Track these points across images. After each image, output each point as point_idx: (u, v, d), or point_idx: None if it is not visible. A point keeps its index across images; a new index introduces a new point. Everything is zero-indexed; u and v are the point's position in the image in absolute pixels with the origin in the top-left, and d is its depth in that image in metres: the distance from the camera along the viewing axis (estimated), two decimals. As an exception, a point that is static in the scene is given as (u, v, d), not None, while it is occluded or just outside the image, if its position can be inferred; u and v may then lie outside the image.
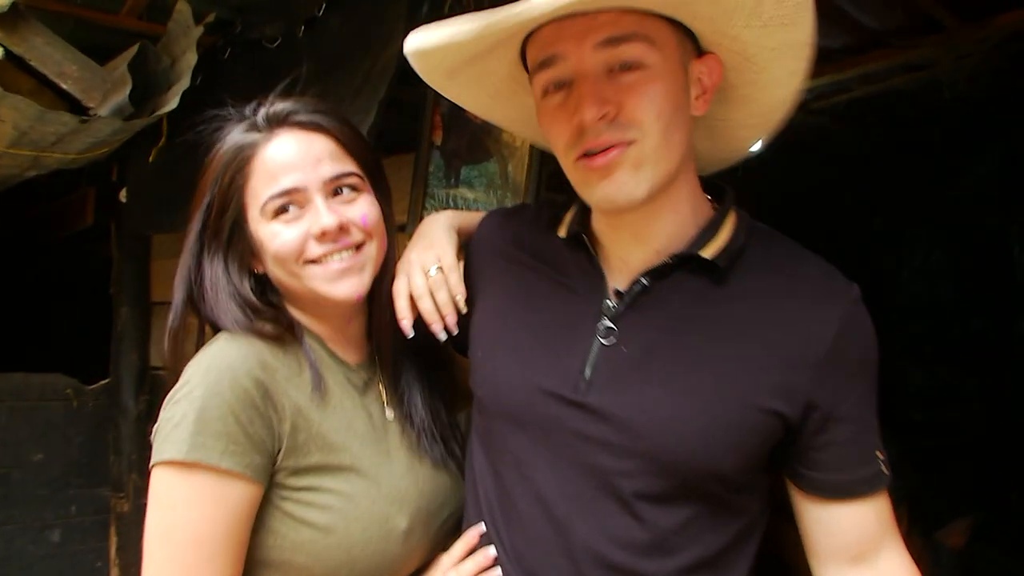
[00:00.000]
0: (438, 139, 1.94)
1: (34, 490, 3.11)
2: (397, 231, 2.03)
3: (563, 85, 1.01)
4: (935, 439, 3.48)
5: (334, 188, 1.18)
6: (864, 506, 1.05)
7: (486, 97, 1.18)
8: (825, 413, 1.02)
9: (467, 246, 1.32)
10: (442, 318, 1.20)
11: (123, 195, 3.06)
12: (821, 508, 1.07)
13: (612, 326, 1.06)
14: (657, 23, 0.97)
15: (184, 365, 1.18)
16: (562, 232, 1.14)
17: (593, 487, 1.05)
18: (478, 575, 1.17)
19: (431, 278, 1.22)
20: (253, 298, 1.19)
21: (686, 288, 1.05)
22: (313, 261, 1.16)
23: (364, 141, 1.25)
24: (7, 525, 3.03)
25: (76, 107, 2.36)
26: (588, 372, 1.06)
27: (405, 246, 2.03)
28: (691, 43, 1.03)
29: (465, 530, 1.21)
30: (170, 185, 2.68)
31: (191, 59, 2.31)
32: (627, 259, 1.09)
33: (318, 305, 1.23)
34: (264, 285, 1.24)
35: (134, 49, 2.44)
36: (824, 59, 3.09)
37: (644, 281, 1.05)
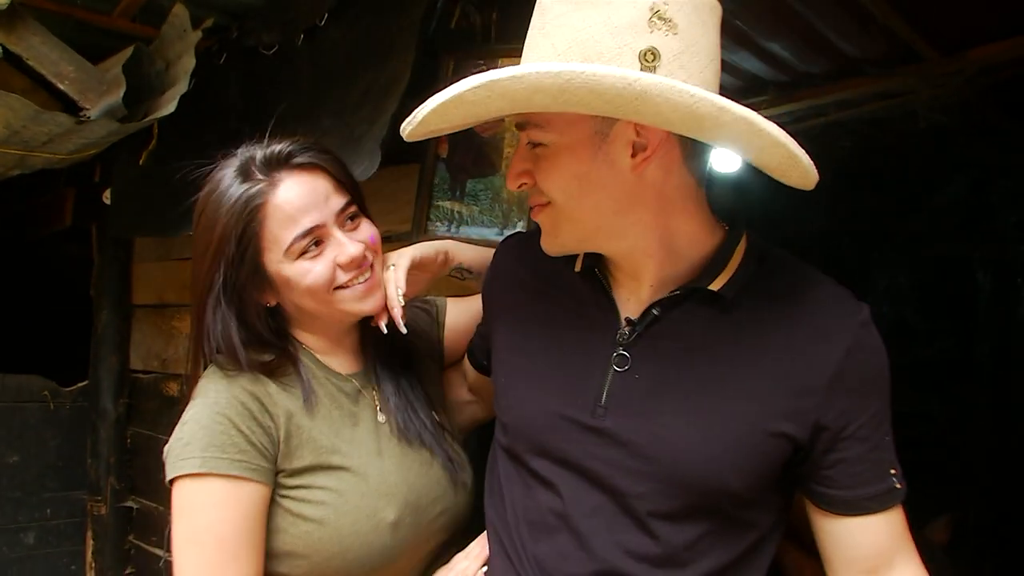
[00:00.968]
0: (444, 152, 1.97)
1: (9, 492, 3.06)
2: (402, 239, 2.07)
3: None
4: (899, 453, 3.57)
5: (344, 219, 1.30)
6: (876, 521, 1.08)
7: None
8: (834, 433, 1.05)
9: (488, 272, 1.41)
10: (391, 311, 1.34)
11: (107, 196, 3.03)
12: (834, 523, 1.11)
13: (626, 354, 1.12)
14: None
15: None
16: (577, 266, 1.19)
17: (611, 506, 1.12)
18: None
19: (385, 274, 1.36)
20: (264, 334, 1.31)
21: (696, 317, 1.09)
22: (341, 287, 1.29)
23: (345, 168, 1.35)
24: (-20, 527, 2.99)
25: (68, 108, 2.34)
26: (604, 398, 1.12)
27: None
28: None
29: (490, 534, 1.29)
30: (158, 189, 2.66)
31: (189, 63, 2.30)
32: (634, 292, 1.14)
33: (323, 323, 1.36)
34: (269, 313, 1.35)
35: (129, 51, 2.43)
36: (803, 84, 3.18)
37: (655, 312, 1.10)
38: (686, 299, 1.09)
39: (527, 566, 1.18)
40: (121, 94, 2.29)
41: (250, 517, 1.21)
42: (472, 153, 1.90)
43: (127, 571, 3.25)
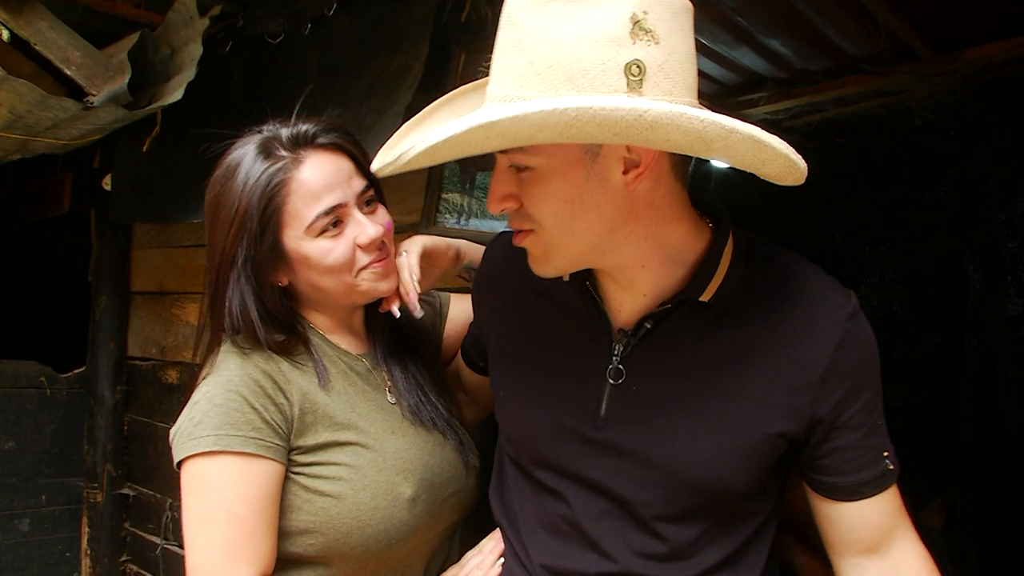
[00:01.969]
0: (454, 143, 1.98)
1: (4, 478, 3.04)
2: (410, 230, 2.08)
3: None
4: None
5: (363, 201, 1.31)
6: (872, 503, 1.12)
7: None
8: (828, 425, 1.08)
9: (477, 273, 1.42)
10: (405, 296, 1.36)
11: (107, 182, 3.02)
12: (832, 507, 1.14)
13: (621, 368, 1.14)
14: None
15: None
16: (565, 276, 1.16)
17: (617, 511, 1.15)
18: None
19: (398, 260, 1.39)
20: (277, 312, 1.31)
21: (688, 326, 1.11)
22: (364, 268, 1.31)
23: (366, 153, 1.35)
24: (-24, 514, 2.98)
25: (73, 93, 2.34)
26: (603, 411, 1.14)
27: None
28: None
29: (504, 544, 1.32)
30: (160, 175, 2.66)
31: (195, 51, 2.30)
32: (624, 304, 1.15)
33: (333, 304, 1.38)
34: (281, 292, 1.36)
35: (134, 37, 2.42)
36: (802, 81, 3.22)
37: (647, 325, 1.12)
38: (677, 309, 1.10)
39: (538, 567, 1.21)
40: (126, 80, 2.28)
41: (264, 496, 1.20)
42: (484, 145, 1.91)
43: (122, 558, 3.25)
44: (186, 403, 1.27)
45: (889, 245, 4.56)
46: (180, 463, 1.22)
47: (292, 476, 1.25)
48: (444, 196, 1.95)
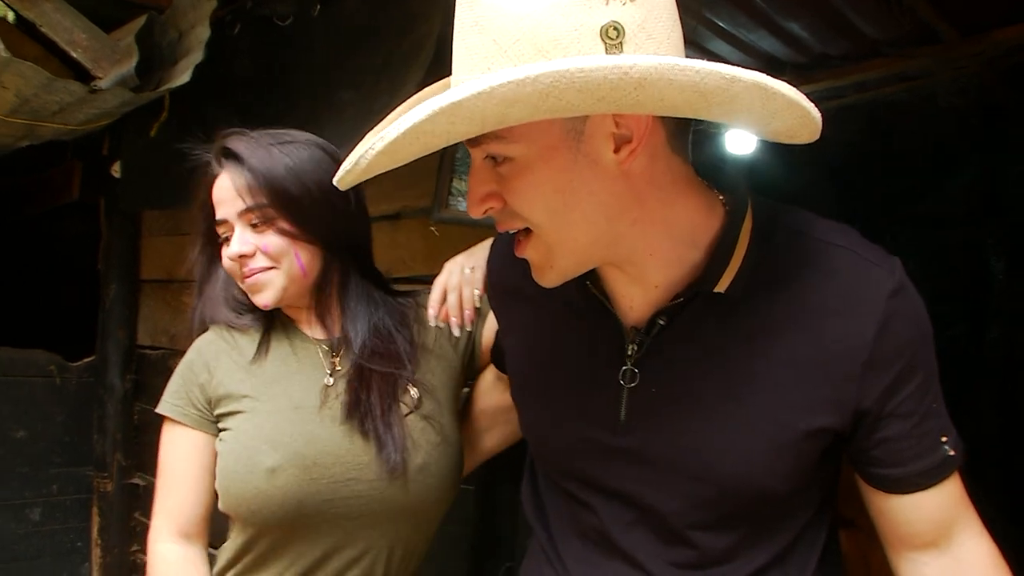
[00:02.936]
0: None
1: (15, 467, 3.03)
2: (420, 215, 2.04)
3: None
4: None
5: (249, 220, 1.36)
6: (931, 495, 1.00)
7: None
8: (876, 414, 0.97)
9: (486, 281, 1.35)
10: (461, 314, 1.41)
11: (116, 169, 3.00)
12: (887, 501, 1.03)
13: (635, 370, 1.03)
14: None
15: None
16: None
17: (648, 521, 1.06)
18: None
19: (464, 275, 1.39)
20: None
21: (707, 318, 0.99)
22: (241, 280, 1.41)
23: (284, 175, 1.36)
24: (-13, 503, 2.98)
25: (80, 77, 2.31)
26: (624, 416, 1.04)
27: (429, 230, 2.03)
28: None
29: (534, 544, 1.25)
30: (170, 161, 2.63)
31: (203, 33, 2.27)
32: (635, 299, 1.04)
33: None
34: None
35: (141, 20, 2.40)
36: (822, 65, 3.16)
37: (661, 321, 1.00)
38: (692, 301, 0.99)
39: None
40: (134, 63, 2.26)
41: (184, 458, 1.41)
42: (494, 129, 1.87)
43: (132, 548, 3.24)
44: None
45: (910, 233, 4.49)
46: None
47: (216, 443, 1.41)
48: (456, 179, 1.91)
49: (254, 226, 1.35)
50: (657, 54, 0.82)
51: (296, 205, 1.35)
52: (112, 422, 3.22)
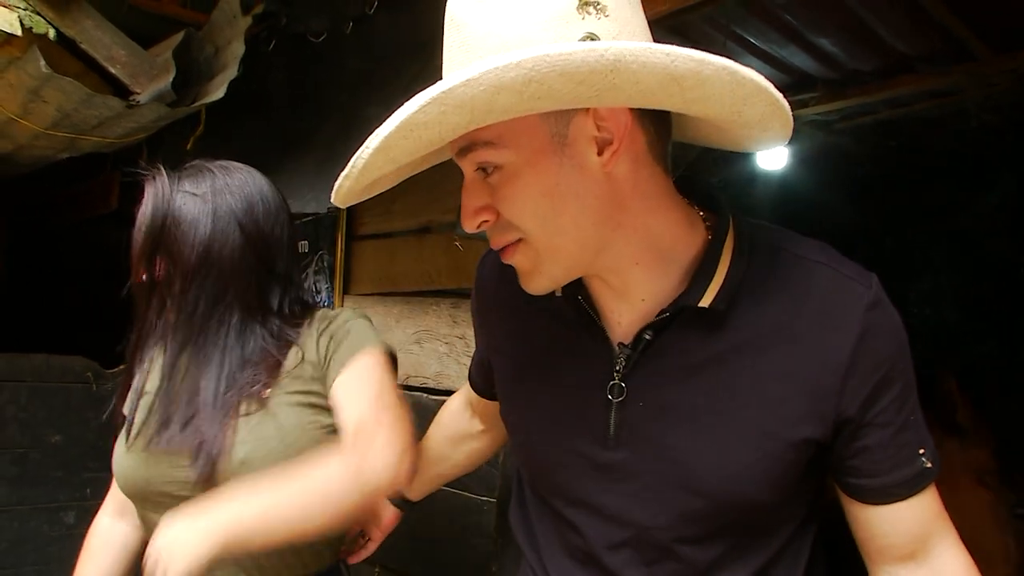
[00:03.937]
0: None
1: (50, 471, 3.09)
2: (446, 229, 2.07)
3: None
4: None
5: None
6: (906, 506, 1.01)
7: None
8: (855, 424, 0.99)
9: (473, 298, 1.35)
10: None
11: (152, 181, 3.06)
12: (864, 511, 1.04)
13: (623, 385, 1.05)
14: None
15: None
16: (558, 291, 1.09)
17: (634, 540, 1.08)
18: None
19: None
20: None
21: (692, 333, 1.01)
22: None
23: (164, 210, 1.46)
24: (22, 505, 3.02)
25: (119, 92, 2.37)
26: (612, 431, 1.06)
27: (453, 245, 2.06)
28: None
29: (524, 564, 1.26)
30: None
31: (238, 49, 2.32)
32: (622, 314, 1.06)
33: None
34: None
35: (179, 36, 2.46)
36: (853, 81, 3.14)
37: (647, 336, 1.02)
38: (677, 316, 1.01)
39: None
40: (171, 79, 2.31)
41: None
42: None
43: (163, 552, 3.28)
44: None
45: (941, 250, 4.44)
46: None
47: None
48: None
49: None
50: None
51: (172, 255, 1.48)
52: (145, 428, 3.27)
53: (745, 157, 3.84)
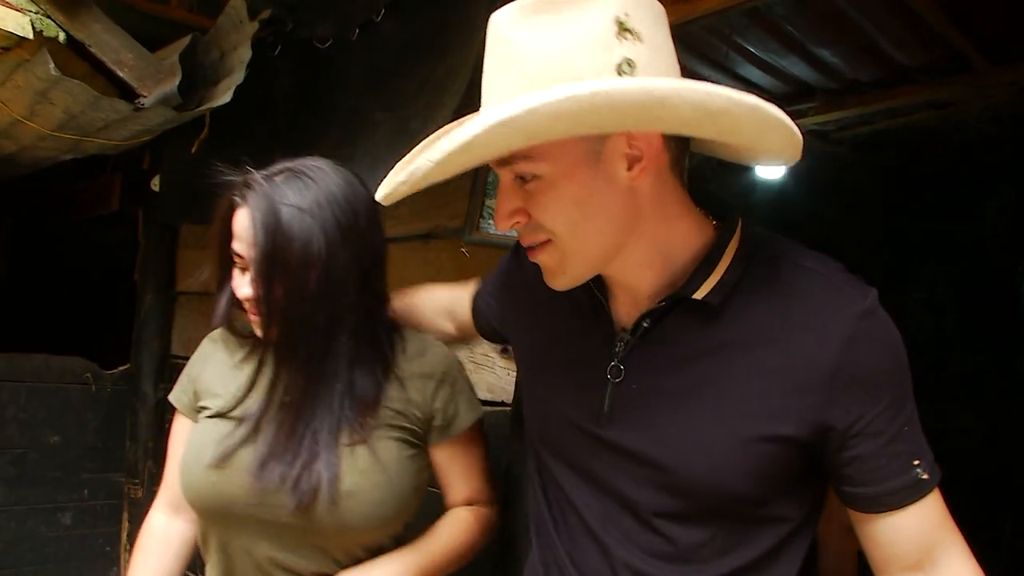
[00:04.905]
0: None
1: (48, 472, 3.09)
2: (453, 235, 2.08)
3: None
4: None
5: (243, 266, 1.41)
6: (907, 516, 1.03)
7: None
8: (843, 432, 1.01)
9: (504, 273, 1.45)
10: None
11: (155, 184, 3.07)
12: (866, 521, 1.06)
13: (620, 366, 1.13)
14: None
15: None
16: None
17: (618, 508, 1.14)
18: None
19: None
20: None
21: (687, 324, 1.08)
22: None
23: (272, 229, 1.35)
24: (20, 506, 3.02)
25: (125, 94, 2.38)
26: (606, 408, 1.14)
27: (459, 251, 2.06)
28: None
29: (533, 532, 1.33)
30: (207, 178, 2.69)
31: (244, 54, 2.33)
32: (626, 302, 1.15)
33: None
34: None
35: (186, 40, 2.46)
36: (852, 91, 3.17)
37: (645, 323, 1.10)
38: (674, 307, 1.08)
39: (562, 561, 1.22)
40: (177, 82, 2.31)
41: (178, 440, 1.54)
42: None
43: (161, 554, 3.28)
44: None
45: (939, 260, 4.47)
46: None
47: None
48: (488, 201, 1.95)
49: (242, 271, 1.40)
50: None
51: (289, 276, 1.36)
52: (144, 430, 3.27)
53: (744, 166, 3.86)
